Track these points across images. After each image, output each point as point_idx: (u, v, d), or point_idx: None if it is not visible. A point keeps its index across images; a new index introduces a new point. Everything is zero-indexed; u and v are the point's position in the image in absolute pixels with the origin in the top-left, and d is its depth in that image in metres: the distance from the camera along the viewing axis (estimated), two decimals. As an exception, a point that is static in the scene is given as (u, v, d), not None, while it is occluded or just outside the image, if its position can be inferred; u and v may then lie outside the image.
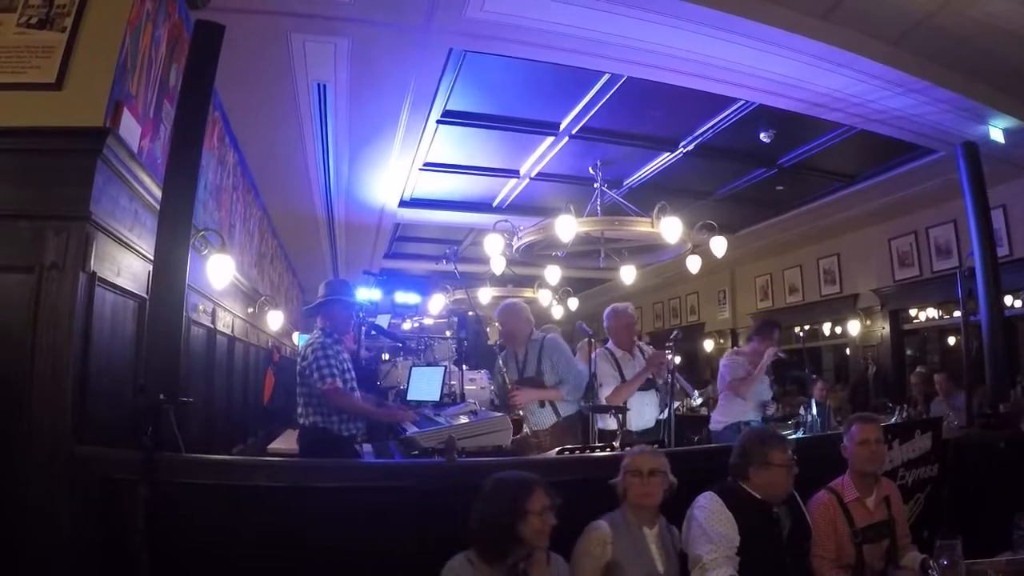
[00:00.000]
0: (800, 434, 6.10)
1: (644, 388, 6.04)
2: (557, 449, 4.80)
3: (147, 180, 4.24)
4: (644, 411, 6.05)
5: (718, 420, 6.57)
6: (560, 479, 3.49)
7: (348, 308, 5.68)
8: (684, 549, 3.45)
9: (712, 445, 6.21)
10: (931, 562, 3.25)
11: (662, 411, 6.04)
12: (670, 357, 6.00)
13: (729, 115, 7.58)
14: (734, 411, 6.39)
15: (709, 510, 3.44)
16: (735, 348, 7.79)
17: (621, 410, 5.47)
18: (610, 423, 5.69)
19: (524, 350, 5.86)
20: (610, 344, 6.32)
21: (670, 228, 7.39)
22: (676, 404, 5.94)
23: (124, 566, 3.15)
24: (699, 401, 6.67)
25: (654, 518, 3.47)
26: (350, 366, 5.34)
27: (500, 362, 5.99)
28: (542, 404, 5.74)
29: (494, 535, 3.04)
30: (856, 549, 3.68)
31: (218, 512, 3.36)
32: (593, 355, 5.73)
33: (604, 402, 5.80)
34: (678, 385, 6.42)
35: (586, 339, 5.81)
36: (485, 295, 11.74)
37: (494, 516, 3.05)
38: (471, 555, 3.04)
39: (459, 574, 3.01)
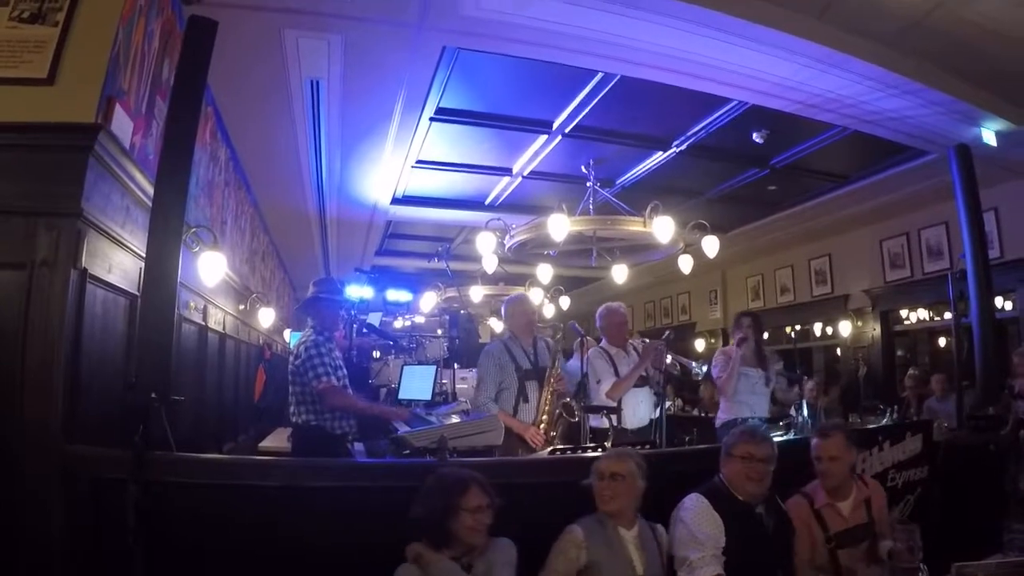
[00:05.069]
0: (791, 435, 6.10)
1: (638, 385, 6.03)
2: (549, 449, 4.80)
3: (139, 176, 4.21)
4: (638, 409, 6.06)
5: (719, 418, 6.58)
6: (551, 480, 3.49)
7: (335, 305, 5.65)
8: (671, 551, 3.48)
9: (701, 446, 6.21)
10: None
11: (656, 408, 6.04)
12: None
13: (722, 115, 7.59)
14: (731, 408, 6.39)
15: (695, 511, 3.48)
16: (722, 347, 7.80)
17: (613, 410, 5.47)
18: (603, 421, 5.69)
19: (532, 342, 5.82)
20: (604, 343, 6.32)
21: (662, 228, 7.38)
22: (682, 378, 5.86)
23: (115, 565, 3.14)
24: (704, 370, 6.55)
25: (631, 520, 3.49)
26: (341, 364, 5.33)
27: (560, 362, 5.76)
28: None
29: (430, 530, 3.11)
30: (830, 555, 3.70)
31: (210, 511, 3.35)
32: (586, 354, 5.72)
33: (604, 397, 5.83)
34: (678, 366, 6.43)
35: (579, 339, 5.78)
36: (477, 293, 11.70)
37: (429, 512, 3.12)
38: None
39: None
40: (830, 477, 3.81)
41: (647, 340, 6.44)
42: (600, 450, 4.38)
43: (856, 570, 3.70)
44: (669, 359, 6.05)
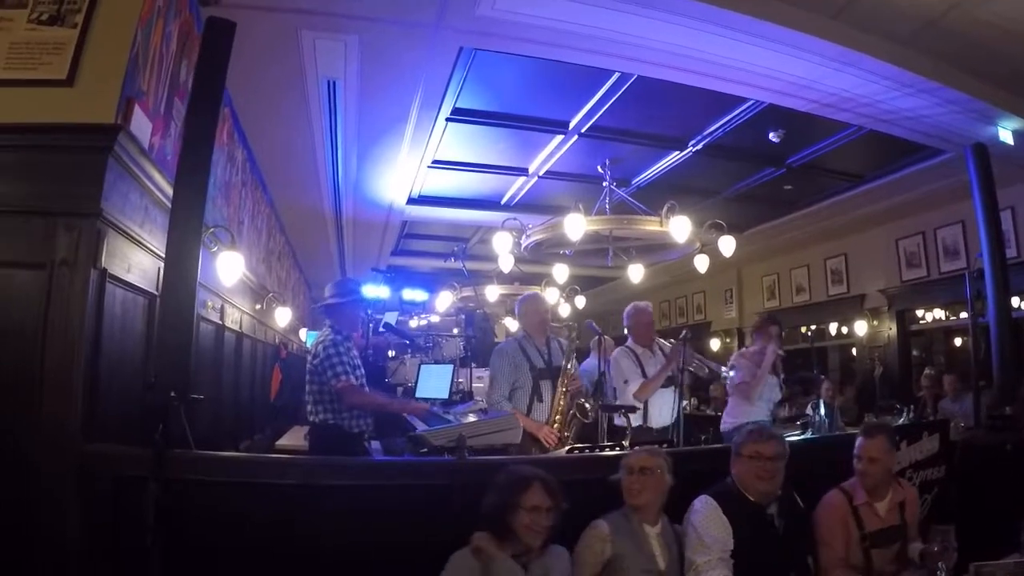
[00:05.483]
0: (808, 435, 6.08)
1: (665, 386, 6.04)
2: (567, 448, 4.81)
3: (158, 177, 4.24)
4: (664, 408, 6.07)
5: (727, 421, 6.53)
6: (569, 478, 3.50)
7: (356, 307, 5.67)
8: (684, 551, 3.50)
9: (716, 446, 6.19)
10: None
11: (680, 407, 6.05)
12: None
13: (738, 115, 7.57)
14: (742, 412, 6.36)
15: (703, 514, 3.50)
16: (740, 350, 7.71)
17: (631, 409, 5.47)
18: (623, 419, 5.68)
19: (545, 341, 5.82)
20: (630, 342, 6.31)
21: (679, 227, 7.37)
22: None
23: (135, 563, 3.15)
24: (732, 373, 6.52)
25: (655, 516, 3.52)
26: (359, 363, 5.34)
27: (573, 364, 5.68)
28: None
29: (492, 523, 3.14)
30: (864, 553, 3.69)
31: (227, 509, 3.37)
32: (604, 353, 5.71)
33: (631, 397, 5.87)
34: (706, 368, 6.43)
35: (595, 337, 5.78)
36: (492, 293, 11.70)
37: (492, 505, 3.17)
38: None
39: (461, 565, 3.06)
40: (868, 477, 3.81)
41: (672, 340, 6.43)
42: (618, 449, 4.39)
43: (886, 572, 3.70)
44: (696, 362, 6.05)
